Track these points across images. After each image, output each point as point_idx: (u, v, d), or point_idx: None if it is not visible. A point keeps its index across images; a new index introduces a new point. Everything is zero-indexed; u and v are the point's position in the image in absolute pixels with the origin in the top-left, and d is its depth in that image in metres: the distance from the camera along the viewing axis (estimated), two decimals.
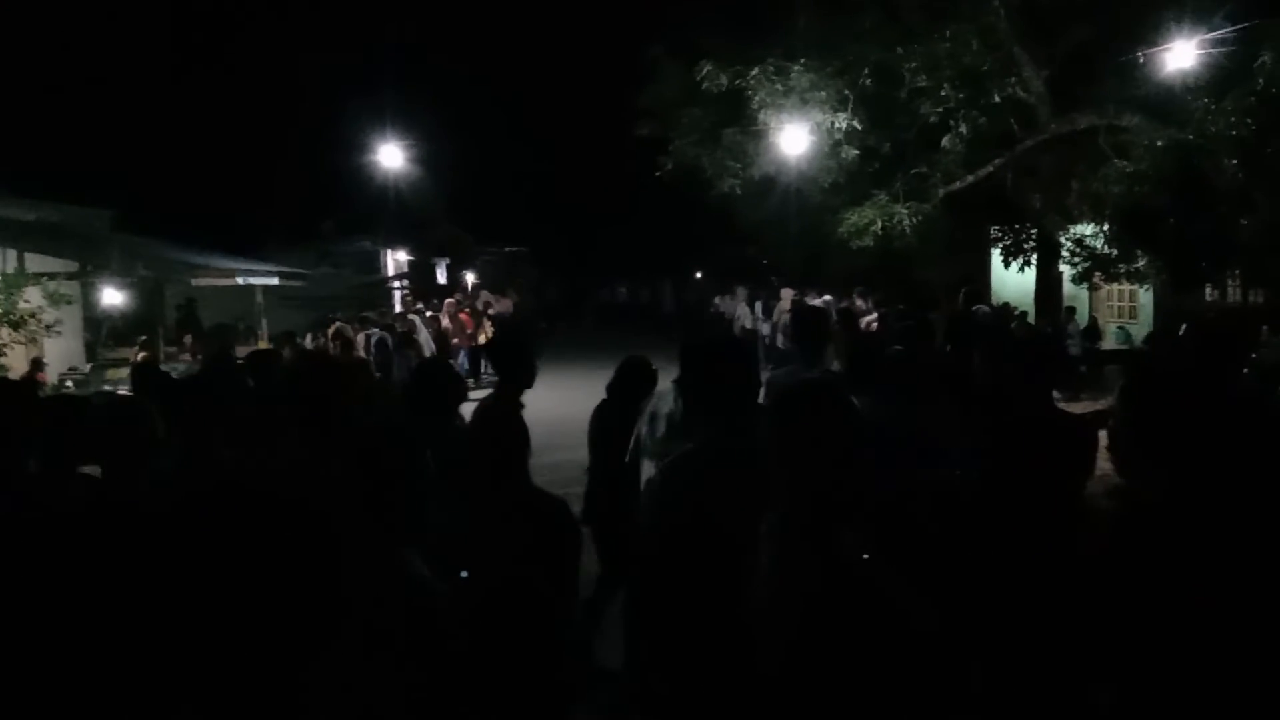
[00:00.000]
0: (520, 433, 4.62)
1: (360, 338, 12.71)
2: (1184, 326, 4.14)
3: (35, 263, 13.34)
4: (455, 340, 17.05)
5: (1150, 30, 11.86)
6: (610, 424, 4.82)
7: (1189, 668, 2.49)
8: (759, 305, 20.80)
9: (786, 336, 14.78)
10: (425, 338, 14.13)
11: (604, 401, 4.98)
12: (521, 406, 4.74)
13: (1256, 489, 2.80)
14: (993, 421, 3.73)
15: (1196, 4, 11.45)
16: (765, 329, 19.30)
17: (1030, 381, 3.83)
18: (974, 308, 9.34)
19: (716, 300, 25.92)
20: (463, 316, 17.89)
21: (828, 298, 15.65)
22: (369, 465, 2.45)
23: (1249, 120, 11.10)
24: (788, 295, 18.28)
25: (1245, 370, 4.06)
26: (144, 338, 15.32)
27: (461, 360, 17.81)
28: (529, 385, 4.78)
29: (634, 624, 3.11)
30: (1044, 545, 3.32)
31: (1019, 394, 3.82)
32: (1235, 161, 11.32)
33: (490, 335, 19.21)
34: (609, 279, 43.97)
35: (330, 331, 11.81)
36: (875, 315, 12.85)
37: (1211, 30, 11.20)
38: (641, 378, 4.81)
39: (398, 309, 20.86)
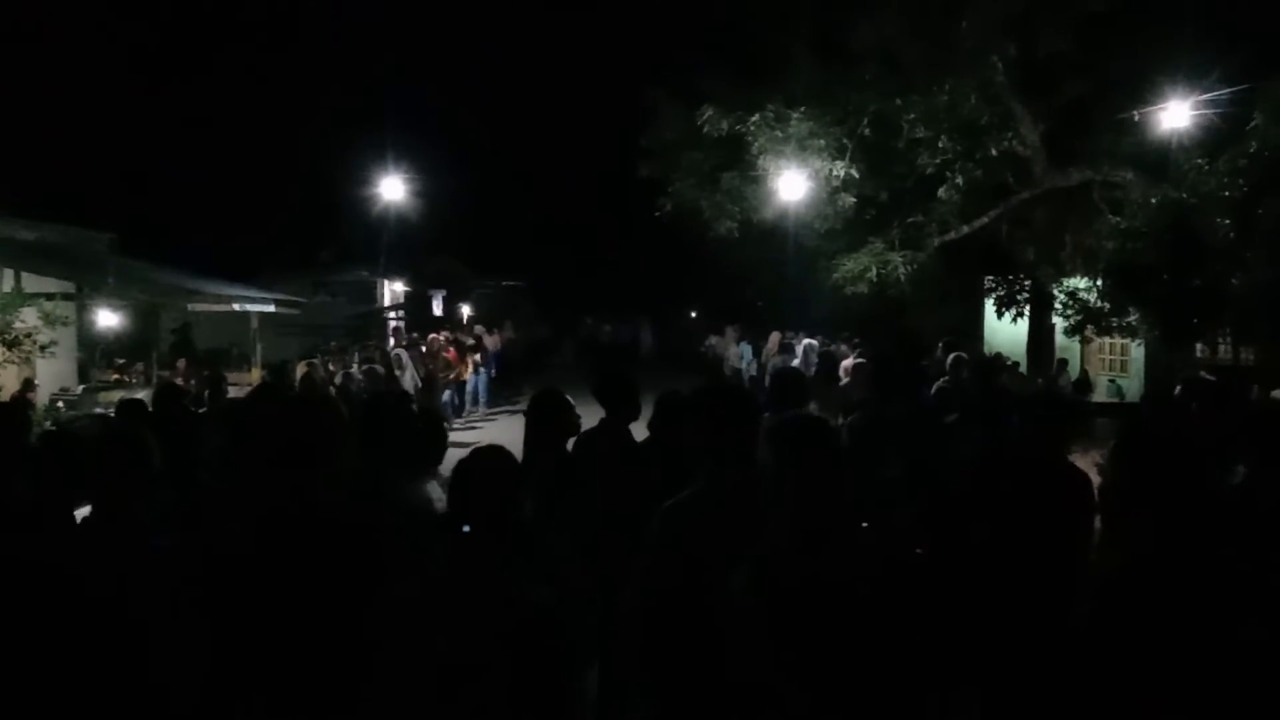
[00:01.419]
0: (626, 459, 4.62)
1: (339, 374, 12.40)
2: (1178, 388, 4.21)
3: (32, 283, 13.36)
4: (444, 375, 16.71)
5: (1146, 89, 12.05)
6: (660, 460, 4.73)
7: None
8: (746, 346, 21.05)
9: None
10: (411, 374, 13.74)
11: (648, 439, 4.90)
12: (629, 436, 4.77)
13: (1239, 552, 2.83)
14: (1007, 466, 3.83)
15: (1192, 65, 11.65)
16: (754, 370, 19.57)
17: (1048, 432, 3.92)
18: (953, 356, 9.49)
19: (711, 340, 26.05)
20: (448, 354, 17.44)
21: (810, 341, 15.76)
22: (489, 491, 2.58)
23: (1241, 181, 11.26)
24: (775, 338, 18.60)
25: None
26: (122, 361, 15.33)
27: (448, 397, 17.49)
28: (634, 418, 4.82)
29: (628, 645, 3.24)
30: (1042, 590, 3.37)
31: (1034, 444, 3.90)
32: (1227, 221, 11.46)
33: (473, 368, 19.09)
34: (597, 316, 44.10)
35: (299, 376, 11.16)
36: (853, 360, 12.89)
37: (1206, 91, 11.39)
38: (680, 411, 4.74)
39: (391, 340, 20.79)
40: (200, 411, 7.03)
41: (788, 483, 2.65)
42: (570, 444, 4.61)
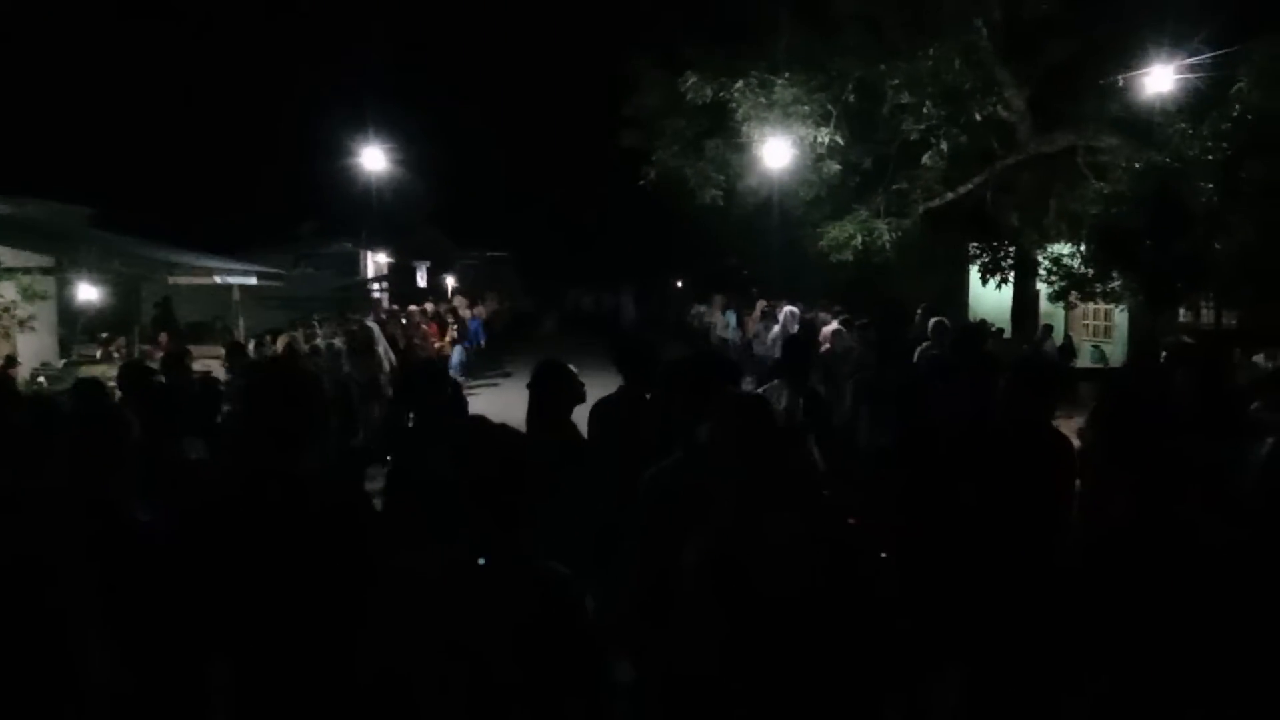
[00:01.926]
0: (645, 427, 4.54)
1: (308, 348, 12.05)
2: (1163, 354, 4.22)
3: (10, 257, 13.21)
4: (422, 347, 15.97)
5: (1130, 53, 12.00)
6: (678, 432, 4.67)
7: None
8: (731, 314, 21.21)
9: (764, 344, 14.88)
10: (384, 348, 12.90)
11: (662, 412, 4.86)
12: (644, 402, 4.72)
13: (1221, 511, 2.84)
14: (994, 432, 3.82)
15: (1176, 28, 11.60)
16: (735, 337, 19.81)
17: (1035, 399, 3.92)
18: (934, 320, 9.71)
19: (702, 309, 26.14)
20: (428, 328, 16.81)
21: (792, 309, 15.80)
22: (509, 472, 2.49)
23: (1225, 145, 11.25)
24: (760, 305, 18.73)
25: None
26: (105, 335, 15.20)
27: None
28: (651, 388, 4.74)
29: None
30: (1026, 554, 3.38)
31: (1019, 409, 3.90)
32: (1211, 185, 11.46)
33: (454, 340, 18.74)
34: (582, 286, 44.06)
35: (281, 346, 10.85)
36: (833, 327, 12.97)
37: (1191, 55, 11.35)
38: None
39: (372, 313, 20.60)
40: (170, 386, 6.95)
41: (729, 459, 2.65)
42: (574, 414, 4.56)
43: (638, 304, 40.75)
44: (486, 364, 21.37)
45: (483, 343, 20.69)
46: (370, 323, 14.22)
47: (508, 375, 20.80)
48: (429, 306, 18.04)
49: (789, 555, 2.51)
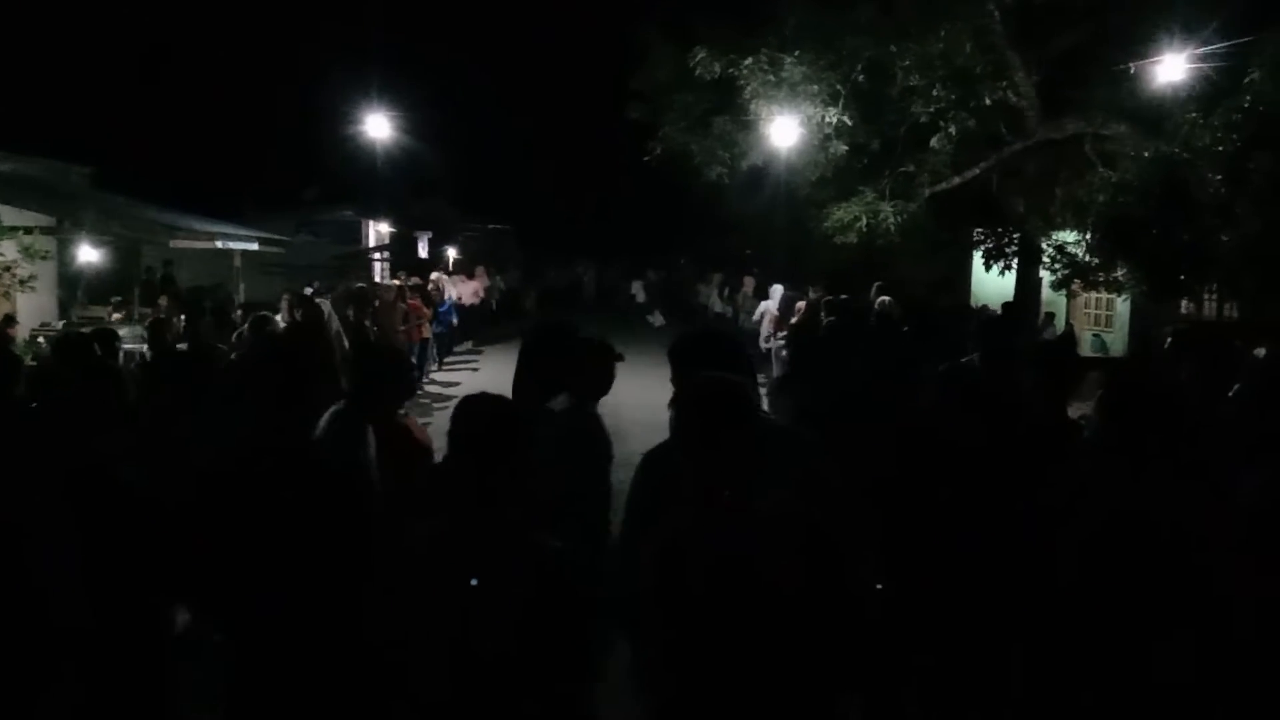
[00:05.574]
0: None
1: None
2: (1168, 341, 4.17)
3: (10, 216, 13.14)
4: (401, 330, 14.00)
5: (1142, 40, 11.90)
6: None
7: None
8: (726, 291, 21.58)
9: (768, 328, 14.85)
10: (337, 326, 11.02)
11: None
12: None
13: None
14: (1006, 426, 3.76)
15: (1188, 17, 11.50)
16: (728, 312, 20.15)
17: (1047, 388, 3.87)
18: (880, 299, 9.55)
19: (633, 285, 26.49)
20: (412, 304, 15.05)
21: (777, 286, 15.79)
22: (499, 442, 2.48)
23: (1234, 136, 11.17)
24: (749, 283, 18.82)
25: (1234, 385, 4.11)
26: (118, 299, 15.15)
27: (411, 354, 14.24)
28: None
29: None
30: (1019, 546, 3.34)
31: (1034, 400, 3.86)
32: (1219, 176, 11.39)
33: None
34: (575, 261, 43.93)
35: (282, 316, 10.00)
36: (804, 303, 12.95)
37: (1202, 44, 11.25)
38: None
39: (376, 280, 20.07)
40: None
41: (692, 450, 2.54)
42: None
43: (598, 280, 41.10)
44: (457, 346, 20.79)
45: (455, 322, 20.04)
46: (321, 300, 12.28)
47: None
48: (398, 281, 16.07)
49: (749, 557, 2.41)
